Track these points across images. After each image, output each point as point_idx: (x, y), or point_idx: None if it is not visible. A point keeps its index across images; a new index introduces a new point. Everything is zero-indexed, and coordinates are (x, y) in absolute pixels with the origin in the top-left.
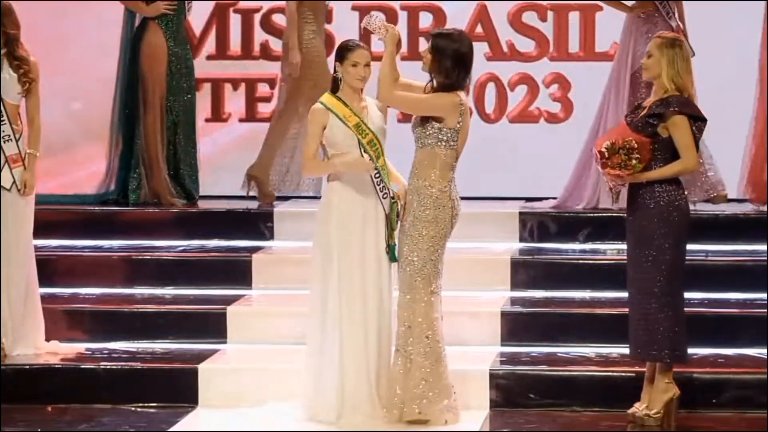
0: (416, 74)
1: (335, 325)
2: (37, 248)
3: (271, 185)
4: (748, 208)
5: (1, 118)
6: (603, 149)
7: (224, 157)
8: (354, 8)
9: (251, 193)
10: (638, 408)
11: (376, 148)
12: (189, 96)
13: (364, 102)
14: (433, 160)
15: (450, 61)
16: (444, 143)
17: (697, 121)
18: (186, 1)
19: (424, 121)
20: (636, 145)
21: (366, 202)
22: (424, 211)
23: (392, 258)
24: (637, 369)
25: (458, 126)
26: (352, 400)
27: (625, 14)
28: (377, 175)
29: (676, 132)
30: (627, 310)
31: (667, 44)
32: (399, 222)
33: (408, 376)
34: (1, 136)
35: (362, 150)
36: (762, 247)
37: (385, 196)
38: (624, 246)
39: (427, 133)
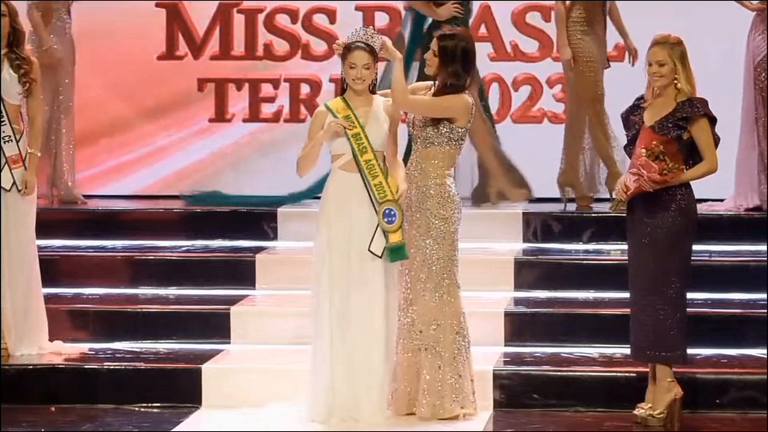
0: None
1: (326, 325)
2: (40, 248)
3: (584, 187)
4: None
5: (2, 119)
6: (645, 157)
7: (227, 157)
8: (358, 8)
9: (568, 197)
10: (642, 408)
11: (361, 142)
12: None
13: (372, 104)
14: (443, 158)
15: (459, 61)
16: (454, 142)
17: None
18: (470, 2)
19: (437, 121)
20: (664, 149)
21: (354, 204)
22: (442, 209)
23: (393, 257)
24: (640, 369)
25: (469, 125)
26: (342, 400)
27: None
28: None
29: (701, 134)
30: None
31: (675, 46)
32: (397, 222)
33: (440, 372)
34: (1, 136)
35: (349, 143)
36: (764, 248)
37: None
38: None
39: (441, 132)
